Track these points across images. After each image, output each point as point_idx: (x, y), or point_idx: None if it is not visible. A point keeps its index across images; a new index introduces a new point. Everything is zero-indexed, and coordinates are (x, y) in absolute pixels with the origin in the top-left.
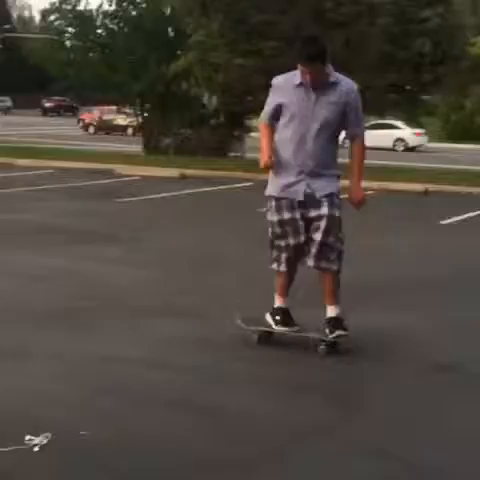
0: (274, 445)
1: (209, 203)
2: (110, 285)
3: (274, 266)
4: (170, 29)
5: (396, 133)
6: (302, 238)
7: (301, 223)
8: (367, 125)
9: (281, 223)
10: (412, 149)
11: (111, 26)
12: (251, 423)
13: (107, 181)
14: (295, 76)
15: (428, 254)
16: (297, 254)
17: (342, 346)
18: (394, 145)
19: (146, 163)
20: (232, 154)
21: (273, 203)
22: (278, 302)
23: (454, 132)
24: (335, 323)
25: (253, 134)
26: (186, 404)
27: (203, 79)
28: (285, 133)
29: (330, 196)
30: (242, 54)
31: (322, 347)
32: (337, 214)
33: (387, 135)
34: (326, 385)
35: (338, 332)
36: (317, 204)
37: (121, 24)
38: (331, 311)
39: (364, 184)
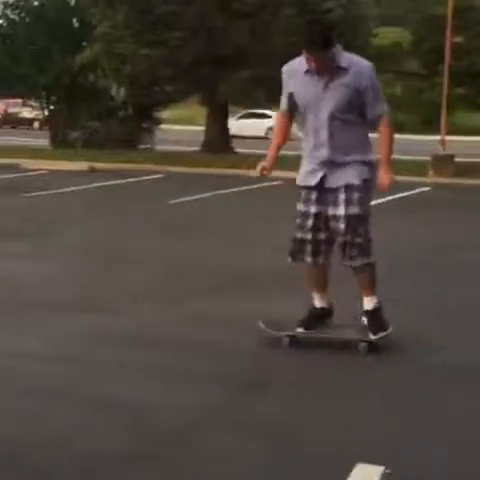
0: (173, 434)
1: (119, 196)
2: (15, 281)
3: (290, 259)
4: (75, 20)
5: (267, 122)
6: (308, 236)
7: (311, 221)
8: (241, 114)
9: (297, 213)
10: None
11: (12, 16)
12: (150, 414)
13: (13, 176)
14: (303, 63)
15: None
16: (303, 247)
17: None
18: (266, 134)
19: (54, 157)
20: (142, 146)
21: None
22: (314, 300)
23: None
24: (375, 321)
25: (163, 126)
26: (87, 398)
27: (110, 71)
28: (304, 122)
29: (348, 189)
30: (148, 45)
31: (362, 345)
32: (355, 211)
33: (259, 124)
34: (222, 372)
35: (381, 334)
36: (335, 200)
37: (22, 14)
38: (367, 303)
39: (274, 174)
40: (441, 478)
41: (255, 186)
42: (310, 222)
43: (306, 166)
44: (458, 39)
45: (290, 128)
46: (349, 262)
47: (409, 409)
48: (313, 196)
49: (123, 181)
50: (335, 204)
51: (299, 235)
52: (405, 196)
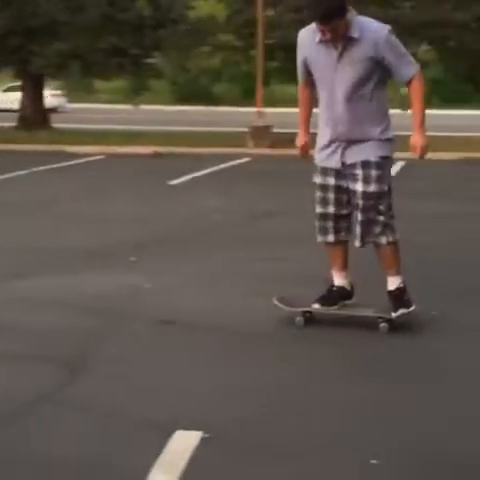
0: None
1: None
2: None
3: (319, 239)
4: None
5: None
6: (331, 209)
7: (333, 195)
8: (6, 87)
9: (315, 187)
10: (50, 110)
11: None
12: None
13: None
14: (316, 31)
15: (157, 214)
16: (325, 223)
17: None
18: None
19: None
20: None
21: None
22: (334, 279)
23: (182, 94)
24: (398, 301)
25: None
26: None
27: None
28: (320, 93)
29: (366, 166)
30: None
31: (383, 325)
32: (373, 189)
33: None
34: (51, 350)
35: (401, 311)
36: (352, 176)
37: None
38: (391, 283)
39: (94, 149)
40: (252, 435)
41: (74, 162)
42: (332, 195)
43: (323, 143)
44: (269, 13)
45: (313, 97)
46: (373, 238)
47: (228, 375)
48: (332, 171)
49: None
50: (353, 180)
51: (320, 210)
52: (226, 167)
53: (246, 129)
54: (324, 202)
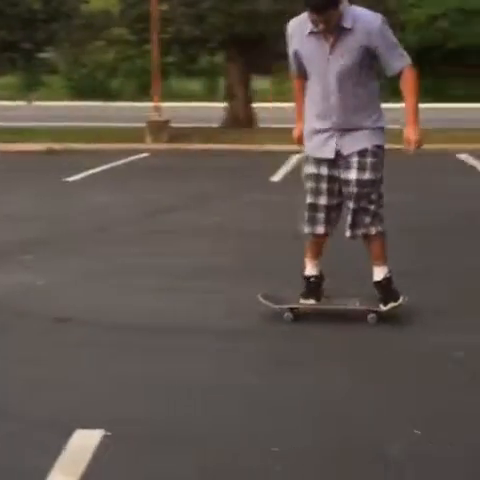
0: None
1: None
2: None
3: (306, 230)
4: None
5: None
6: (323, 201)
7: (325, 184)
8: None
9: (307, 177)
10: None
11: None
12: None
13: None
14: (306, 22)
15: (52, 211)
16: (315, 214)
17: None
18: None
19: None
20: None
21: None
22: (306, 268)
23: (79, 90)
24: (386, 292)
25: None
26: None
27: None
28: (310, 85)
29: (361, 154)
30: None
31: (371, 316)
32: (368, 177)
33: None
34: None
35: (392, 304)
36: (347, 164)
37: None
38: (378, 274)
39: None
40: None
41: None
42: (324, 185)
43: (314, 129)
44: (164, 7)
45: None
46: (364, 230)
47: (128, 372)
48: (325, 160)
49: None
50: (347, 168)
51: (311, 200)
52: (124, 163)
53: (144, 124)
54: (316, 192)
